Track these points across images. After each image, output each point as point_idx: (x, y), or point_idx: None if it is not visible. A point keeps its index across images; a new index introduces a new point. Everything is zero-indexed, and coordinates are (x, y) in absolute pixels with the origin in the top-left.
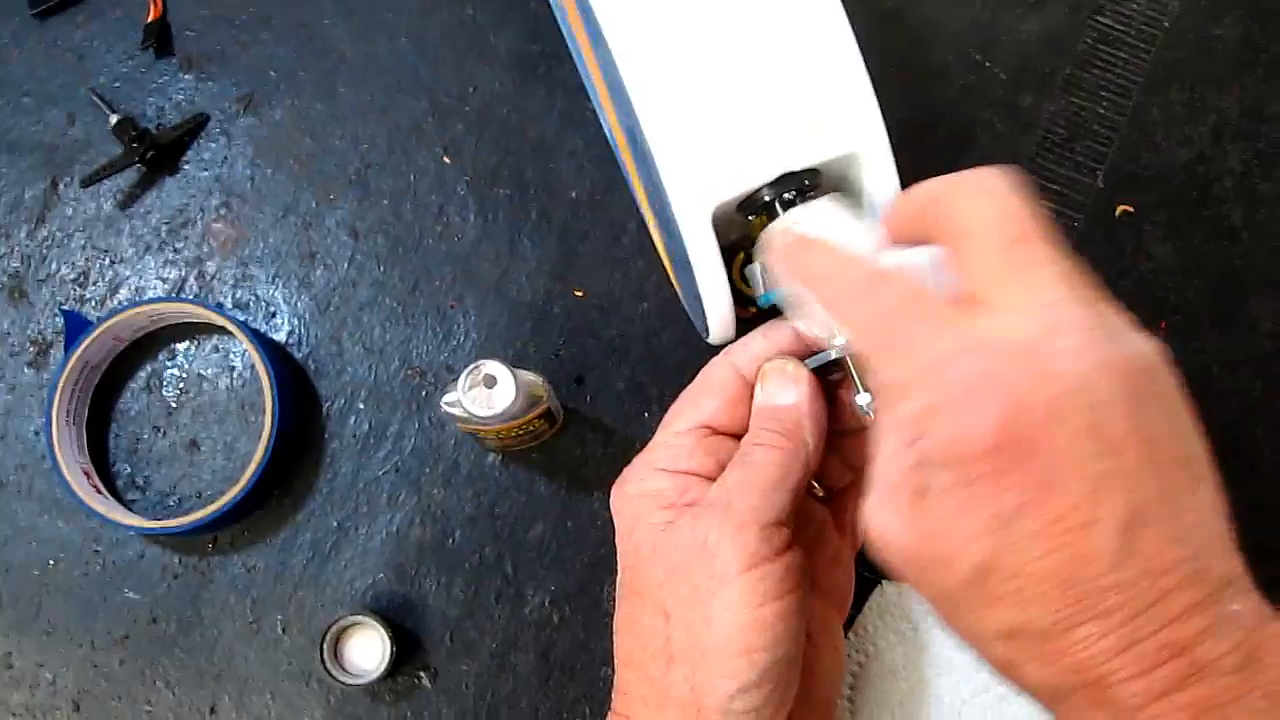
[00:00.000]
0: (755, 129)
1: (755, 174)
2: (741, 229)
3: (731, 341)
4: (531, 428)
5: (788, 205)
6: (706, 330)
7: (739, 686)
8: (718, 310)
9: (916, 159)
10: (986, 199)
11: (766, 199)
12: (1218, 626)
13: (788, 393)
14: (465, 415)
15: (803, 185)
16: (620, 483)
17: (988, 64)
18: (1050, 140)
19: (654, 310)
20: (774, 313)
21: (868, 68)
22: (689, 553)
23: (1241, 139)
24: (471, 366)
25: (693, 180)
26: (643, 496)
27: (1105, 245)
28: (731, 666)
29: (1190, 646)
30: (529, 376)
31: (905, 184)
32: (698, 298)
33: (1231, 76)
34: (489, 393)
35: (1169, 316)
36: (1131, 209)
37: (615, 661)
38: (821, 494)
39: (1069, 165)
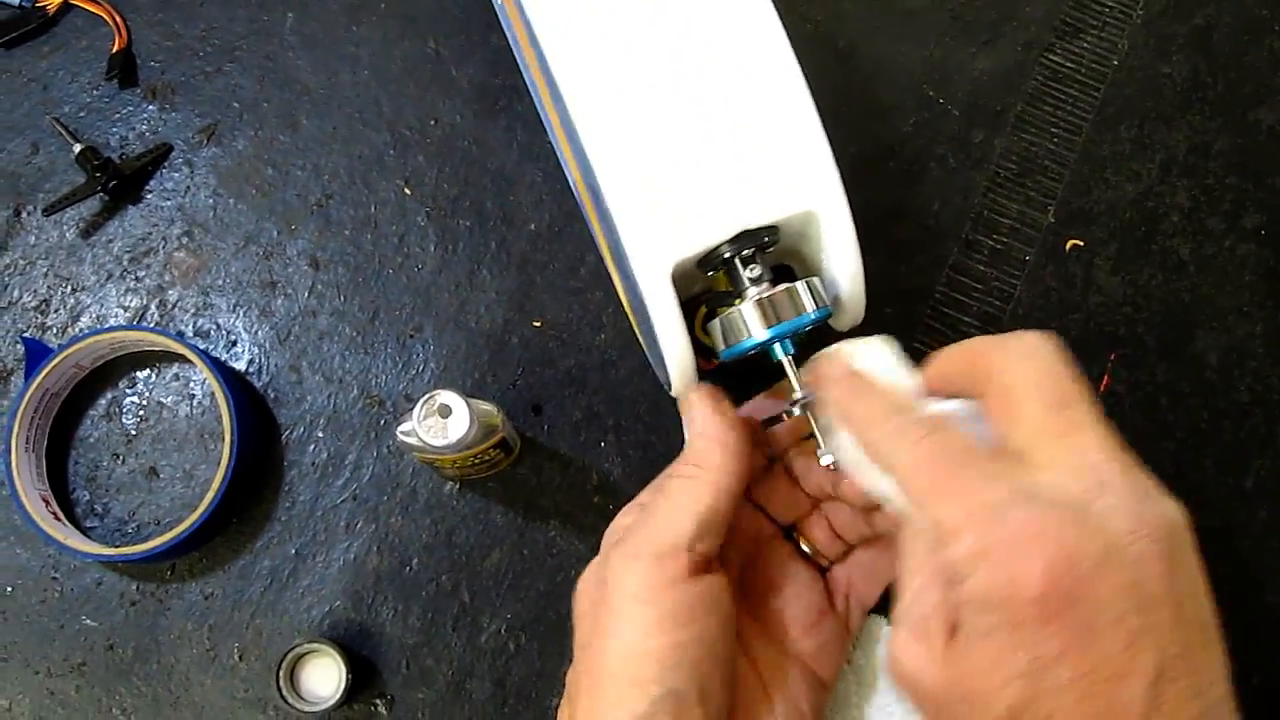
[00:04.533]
0: (714, 187)
1: (714, 231)
2: (704, 283)
3: None
4: (487, 457)
5: (747, 262)
6: (668, 383)
7: (629, 718)
8: (679, 365)
9: (870, 194)
10: (1033, 362)
11: (726, 255)
12: None
13: (695, 425)
14: (421, 445)
15: (762, 242)
16: None
17: (940, 100)
18: (1002, 175)
19: (611, 341)
20: (735, 367)
21: (821, 105)
22: (595, 585)
23: (1189, 175)
24: (426, 396)
25: (652, 238)
26: (609, 531)
27: (1056, 279)
28: (622, 697)
29: None
30: (484, 406)
31: (861, 233)
32: (659, 352)
33: (1179, 114)
34: (444, 422)
35: (1118, 349)
36: (1081, 243)
37: None
38: (823, 563)
39: (1020, 200)
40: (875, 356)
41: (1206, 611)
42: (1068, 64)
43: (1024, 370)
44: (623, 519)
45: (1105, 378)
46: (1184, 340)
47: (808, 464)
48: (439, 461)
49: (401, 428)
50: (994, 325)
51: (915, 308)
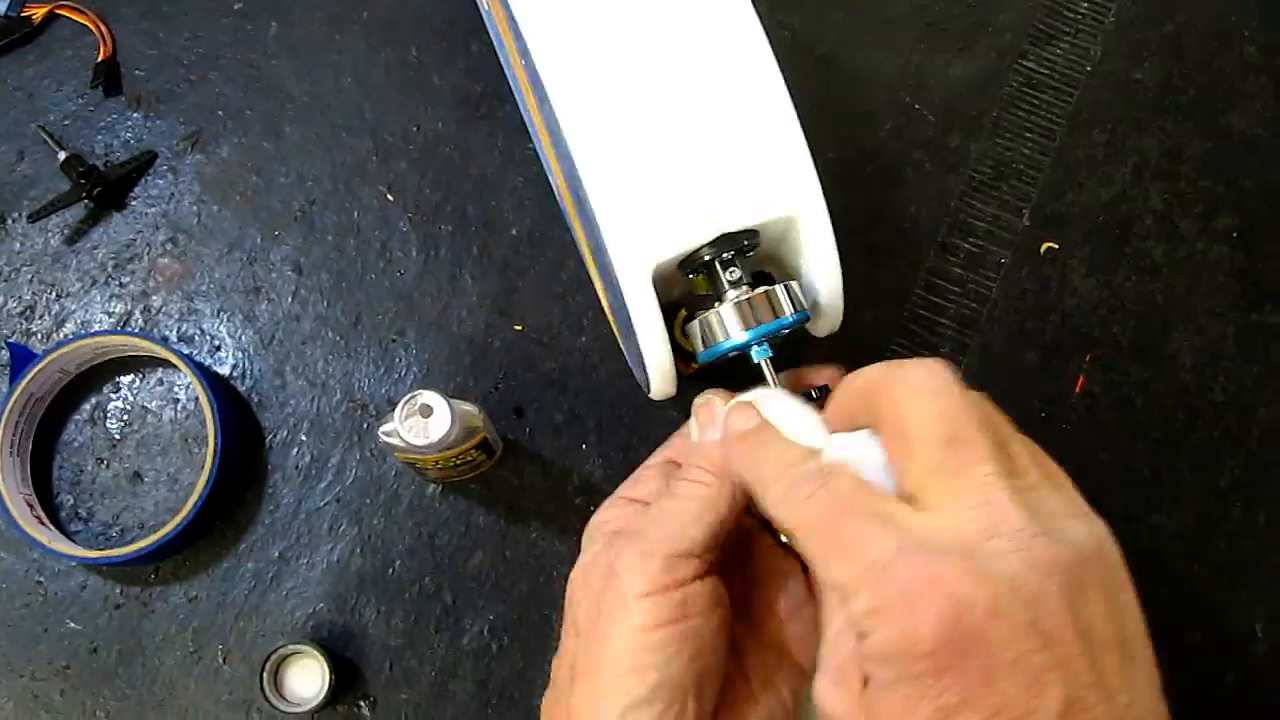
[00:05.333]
0: (695, 191)
1: (695, 234)
2: (683, 287)
3: (672, 396)
4: (469, 458)
5: (727, 265)
6: (648, 385)
7: (628, 703)
8: (658, 366)
9: (848, 198)
10: (922, 397)
11: (706, 258)
12: None
13: (714, 431)
14: (402, 445)
15: (741, 245)
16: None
17: (917, 106)
18: (977, 180)
19: (592, 344)
20: (714, 371)
21: (800, 110)
22: (601, 576)
23: (1162, 179)
24: (408, 396)
25: (634, 240)
26: (595, 525)
27: (1031, 281)
28: (622, 684)
29: None
30: (465, 407)
31: (839, 236)
32: (639, 354)
33: (1151, 119)
34: (425, 422)
35: (1093, 350)
36: (1056, 246)
37: None
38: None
39: (995, 204)
40: (783, 402)
41: (1129, 631)
42: (1041, 70)
43: (914, 406)
44: (608, 511)
45: (1081, 378)
46: (1158, 341)
47: None
48: (421, 462)
49: (384, 428)
50: (970, 327)
51: (893, 310)
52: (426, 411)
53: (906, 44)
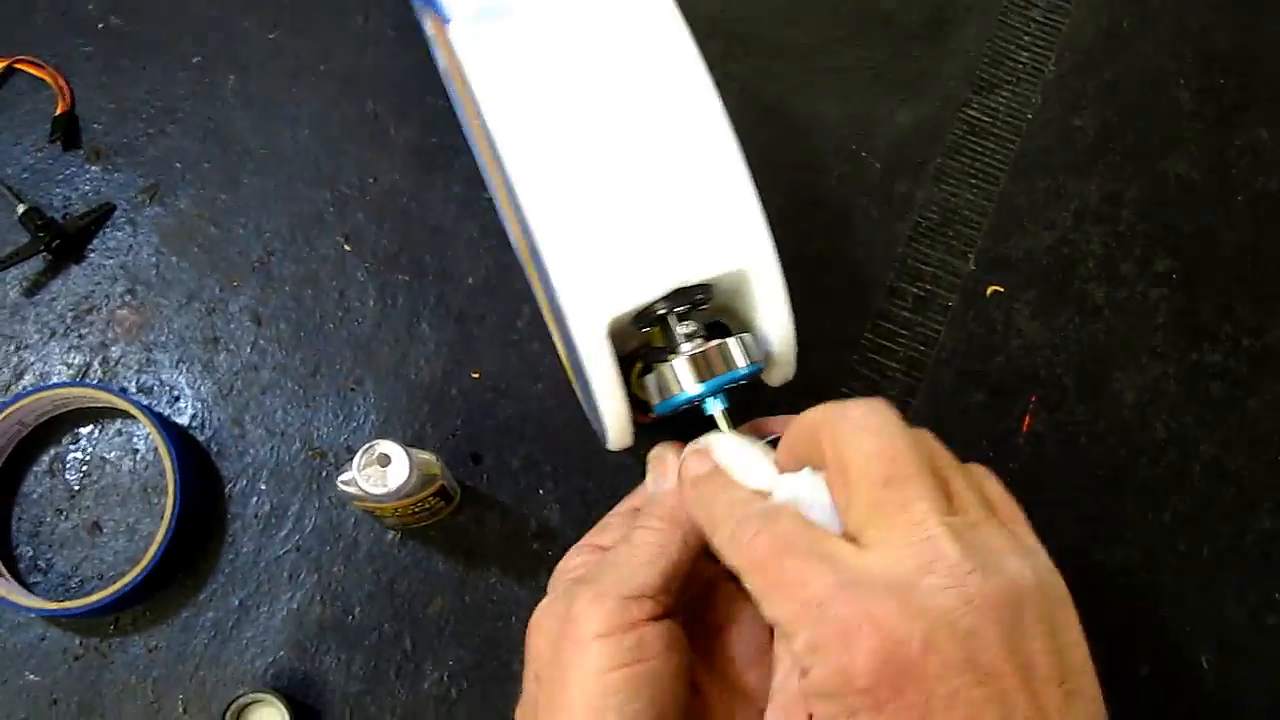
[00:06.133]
0: (648, 246)
1: (649, 289)
2: (639, 338)
3: (628, 448)
4: (427, 505)
5: (681, 318)
6: (605, 438)
7: None
8: (615, 419)
9: (797, 245)
10: (864, 436)
11: (660, 312)
12: None
13: (667, 480)
14: (361, 494)
15: (695, 299)
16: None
17: (864, 154)
18: (924, 225)
19: (548, 391)
20: (672, 419)
21: (749, 159)
22: (559, 620)
23: (1102, 222)
24: (366, 446)
25: (589, 296)
26: (558, 572)
27: (978, 323)
28: None
29: None
30: (423, 455)
31: (789, 282)
32: (596, 407)
33: (1091, 165)
34: (383, 471)
35: (1039, 390)
36: (1001, 289)
37: None
38: None
39: (942, 248)
40: (735, 446)
41: (1071, 665)
42: (984, 118)
43: (855, 445)
44: (574, 558)
45: (1027, 418)
46: (1101, 381)
47: None
48: (380, 510)
49: (342, 477)
50: (918, 370)
51: (843, 354)
52: (385, 460)
53: (853, 93)
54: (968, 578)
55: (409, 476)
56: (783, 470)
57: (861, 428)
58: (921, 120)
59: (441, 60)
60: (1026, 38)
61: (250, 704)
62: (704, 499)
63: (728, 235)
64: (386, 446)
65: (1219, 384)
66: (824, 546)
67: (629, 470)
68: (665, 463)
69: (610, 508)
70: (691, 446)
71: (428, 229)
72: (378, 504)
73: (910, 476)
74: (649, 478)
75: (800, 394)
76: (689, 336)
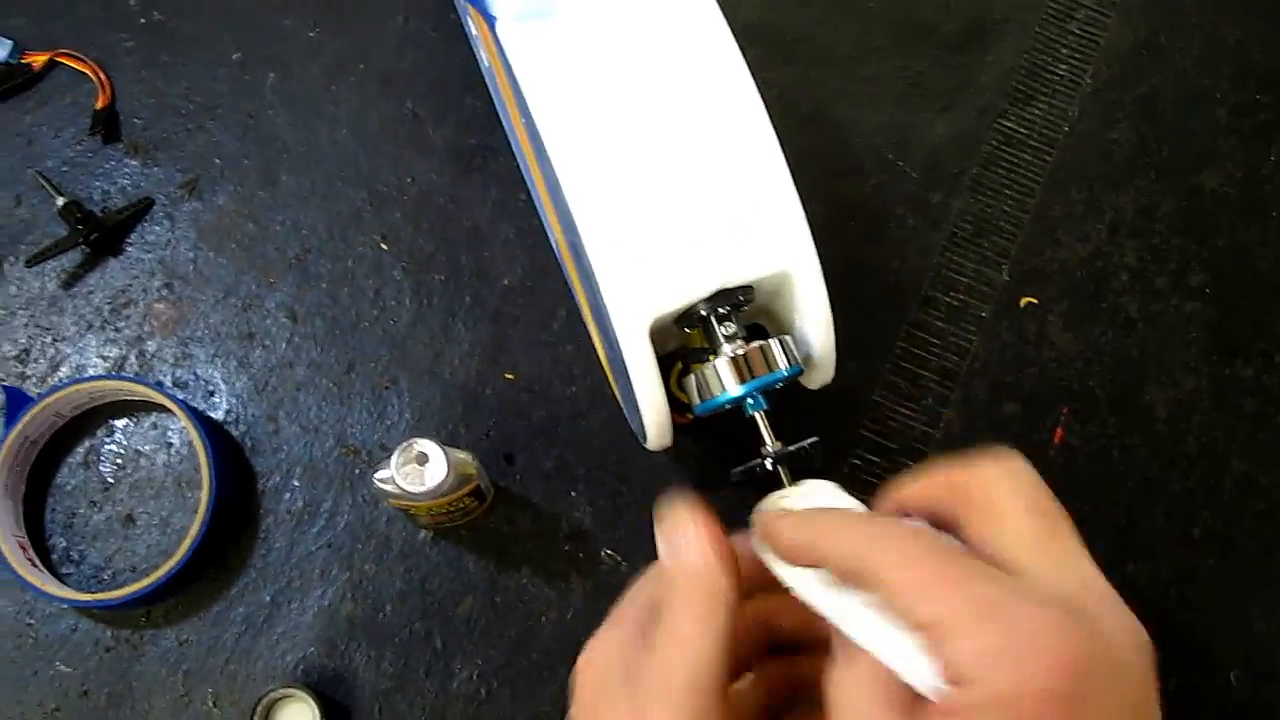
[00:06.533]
0: (692, 248)
1: (692, 290)
2: (678, 339)
3: (668, 448)
4: (461, 505)
5: (722, 319)
6: (644, 436)
7: None
8: (655, 418)
9: (833, 253)
10: (1016, 480)
11: (703, 313)
12: None
13: (691, 551)
14: (398, 491)
15: (737, 300)
16: None
17: (900, 163)
18: (958, 236)
19: (582, 393)
20: (708, 420)
21: (788, 167)
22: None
23: (1136, 236)
24: (405, 444)
25: (632, 296)
26: (593, 661)
27: (1011, 334)
28: None
29: None
30: (460, 455)
31: (832, 295)
32: (636, 406)
33: (1126, 178)
34: (421, 469)
35: (1071, 403)
36: (1035, 300)
37: None
38: None
39: (976, 259)
40: (818, 493)
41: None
42: (1020, 129)
43: (1007, 486)
44: (604, 647)
45: (1059, 430)
46: (1134, 394)
47: None
48: (414, 509)
49: (379, 474)
50: (951, 379)
51: (877, 362)
52: (423, 459)
53: (890, 102)
54: (1120, 611)
55: (446, 475)
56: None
57: (1013, 474)
58: (958, 130)
59: (485, 59)
60: (1064, 50)
61: (280, 699)
62: (814, 516)
63: (771, 237)
64: (425, 445)
65: (1251, 399)
66: (978, 560)
67: (661, 474)
68: (685, 531)
69: (641, 512)
70: (765, 506)
71: (464, 229)
72: (413, 502)
73: (1057, 513)
74: (663, 549)
75: (834, 400)
76: (730, 338)
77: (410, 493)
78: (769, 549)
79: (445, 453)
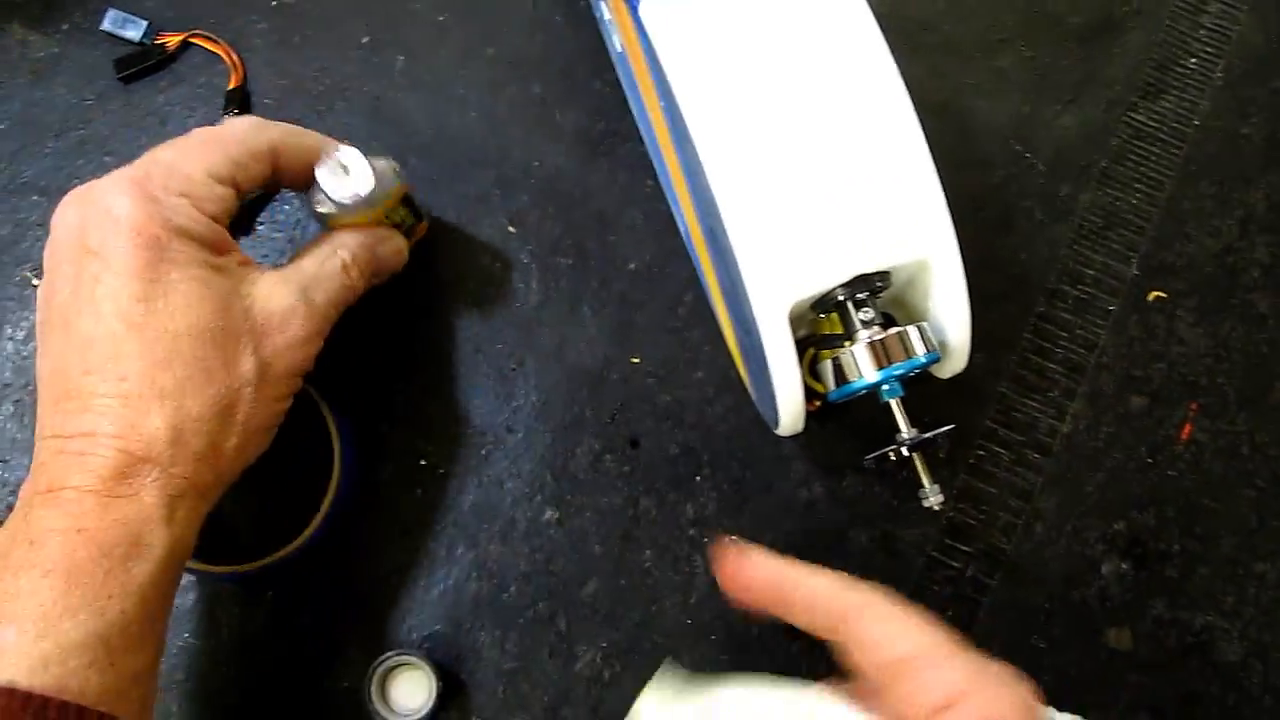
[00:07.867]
0: (833, 233)
1: (831, 275)
2: (808, 326)
3: (799, 433)
4: (399, 218)
5: (860, 305)
6: (775, 421)
7: None
8: (790, 402)
9: (961, 243)
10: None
11: (840, 298)
12: None
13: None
14: (331, 208)
15: (875, 286)
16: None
17: (1027, 155)
18: (1086, 229)
19: (708, 379)
20: (841, 407)
21: (930, 154)
22: None
23: (1268, 231)
24: (325, 156)
25: (773, 280)
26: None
27: (1139, 329)
28: None
29: None
30: (382, 162)
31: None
32: (769, 390)
33: (1258, 173)
34: (347, 179)
35: (1199, 398)
36: (1164, 295)
37: None
38: None
39: (1104, 252)
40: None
41: None
42: (1150, 123)
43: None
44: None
45: (1187, 426)
46: (1264, 391)
47: None
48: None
49: (315, 200)
50: (1078, 373)
51: (1003, 355)
52: (346, 169)
53: (1017, 94)
54: None
55: (373, 179)
56: None
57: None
58: (1086, 123)
59: (618, 43)
60: (1195, 43)
61: (398, 666)
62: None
63: (912, 224)
64: (346, 154)
65: None
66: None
67: (786, 462)
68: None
69: (766, 498)
70: None
71: (591, 213)
72: (351, 217)
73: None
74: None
75: (959, 391)
76: (867, 324)
77: (342, 203)
78: None
79: (368, 159)
